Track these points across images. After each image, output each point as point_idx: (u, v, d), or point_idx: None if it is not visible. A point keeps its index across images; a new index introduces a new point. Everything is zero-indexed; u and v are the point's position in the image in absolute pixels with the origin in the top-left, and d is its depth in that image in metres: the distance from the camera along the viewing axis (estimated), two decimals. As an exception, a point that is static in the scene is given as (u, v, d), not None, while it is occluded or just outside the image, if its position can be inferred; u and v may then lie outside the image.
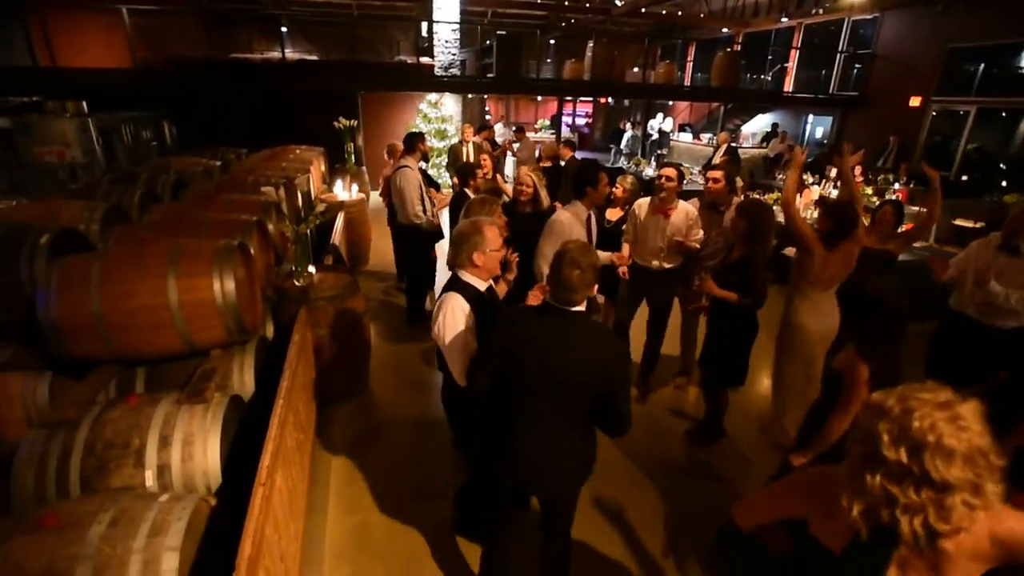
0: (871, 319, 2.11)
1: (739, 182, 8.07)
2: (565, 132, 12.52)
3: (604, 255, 3.51)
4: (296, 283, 3.71)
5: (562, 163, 7.09)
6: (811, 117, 14.60)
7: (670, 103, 16.91)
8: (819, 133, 14.52)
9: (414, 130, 7.16)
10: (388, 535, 2.84)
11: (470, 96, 13.49)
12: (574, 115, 20.07)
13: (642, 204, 3.85)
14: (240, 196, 4.26)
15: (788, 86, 14.09)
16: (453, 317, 2.16)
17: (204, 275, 2.50)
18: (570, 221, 3.35)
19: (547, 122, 17.09)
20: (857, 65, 12.74)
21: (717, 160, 8.91)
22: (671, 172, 3.67)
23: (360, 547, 2.75)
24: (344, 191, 6.93)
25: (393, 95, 11.39)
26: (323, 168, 7.91)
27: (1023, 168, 10.13)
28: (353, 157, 8.65)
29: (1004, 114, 11.11)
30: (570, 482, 2.11)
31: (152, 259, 2.51)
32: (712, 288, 3.14)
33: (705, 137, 13.96)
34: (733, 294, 3.09)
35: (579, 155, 8.24)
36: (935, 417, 1.08)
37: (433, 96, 11.19)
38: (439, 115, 11.23)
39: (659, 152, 14.17)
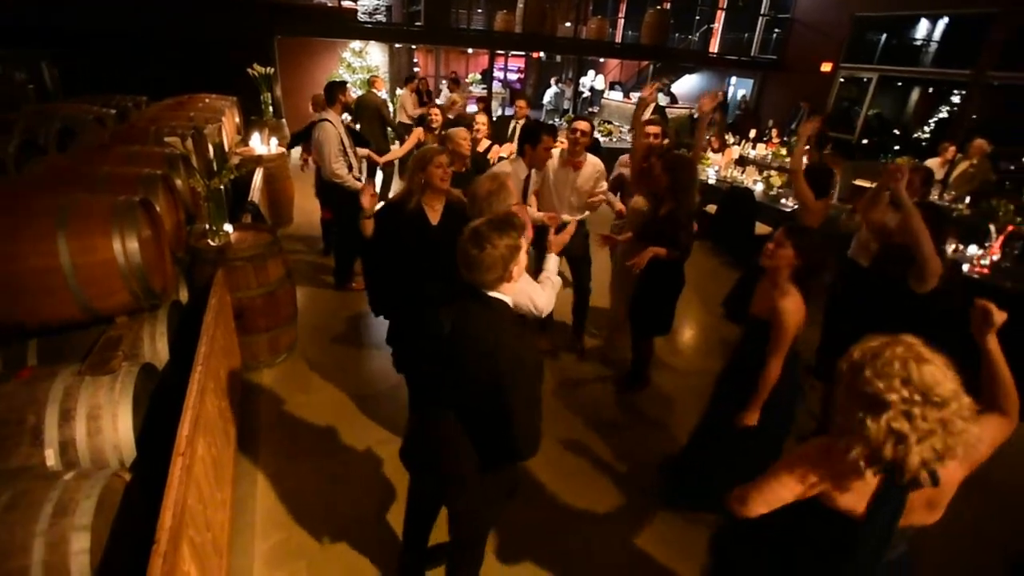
0: (818, 276, 2.30)
1: (666, 141, 8.31)
2: (496, 87, 12.24)
3: (536, 214, 3.51)
4: (211, 243, 3.45)
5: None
6: (734, 79, 15.10)
7: (602, 60, 16.88)
8: (740, 95, 15.09)
9: (336, 79, 6.69)
10: (323, 499, 2.80)
11: (397, 46, 12.82)
12: (506, 69, 19.60)
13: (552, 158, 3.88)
14: (141, 148, 3.85)
15: (714, 47, 14.42)
16: None
17: (102, 235, 2.26)
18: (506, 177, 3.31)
19: (478, 76, 16.62)
20: (777, 30, 13.21)
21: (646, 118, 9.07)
22: (584, 126, 3.69)
23: (294, 513, 2.71)
24: (262, 145, 6.45)
25: (314, 42, 10.59)
26: (237, 119, 7.29)
27: (913, 133, 11.08)
28: (271, 108, 8.04)
29: (900, 84, 12.02)
30: (473, 495, 1.81)
31: (37, 217, 2.23)
32: (640, 262, 3.17)
33: (635, 96, 14.10)
34: (663, 249, 3.18)
35: (508, 112, 8.08)
36: (898, 349, 1.24)
37: (357, 44, 10.52)
38: (364, 64, 10.62)
39: (590, 110, 14.21)
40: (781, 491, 1.43)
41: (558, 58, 18.68)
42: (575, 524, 2.78)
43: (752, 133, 8.97)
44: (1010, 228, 4.65)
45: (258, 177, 5.39)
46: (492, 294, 1.65)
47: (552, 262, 2.36)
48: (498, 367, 1.56)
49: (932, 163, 6.92)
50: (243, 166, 4.98)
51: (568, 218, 3.74)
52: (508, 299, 1.69)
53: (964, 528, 2.94)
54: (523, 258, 1.67)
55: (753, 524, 1.52)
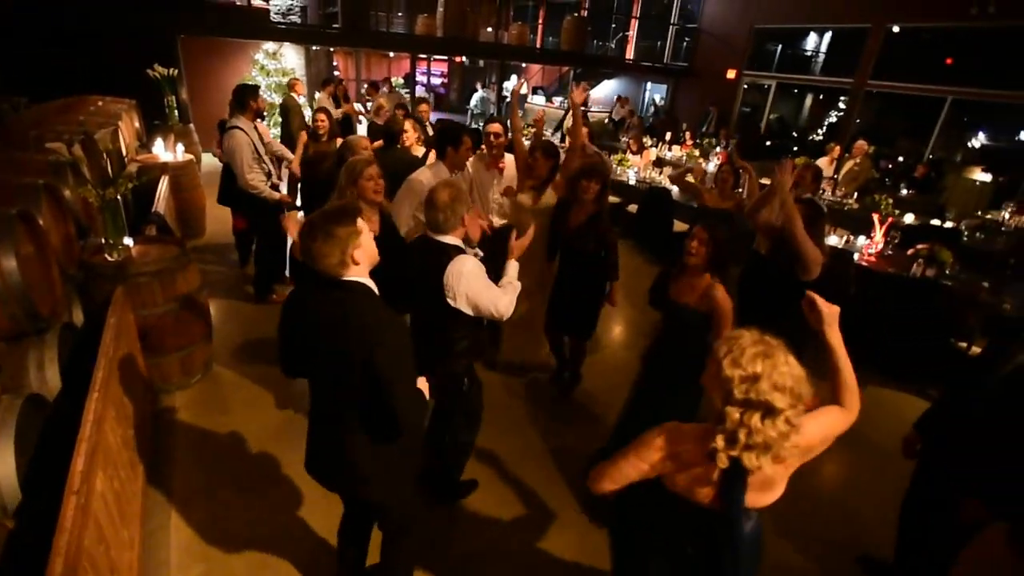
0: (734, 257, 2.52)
1: (508, 136, 8.56)
2: (420, 92, 12.08)
3: (488, 221, 3.51)
4: (109, 258, 3.16)
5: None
6: (649, 84, 15.82)
7: (523, 65, 17.15)
8: (657, 99, 15.84)
9: (249, 83, 6.36)
10: (246, 526, 2.64)
11: (315, 48, 12.38)
12: (429, 74, 19.46)
13: (473, 162, 3.88)
14: (20, 155, 3.48)
15: (630, 54, 15.04)
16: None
17: (-29, 253, 2.02)
18: (430, 182, 3.23)
19: (401, 80, 16.38)
20: (687, 39, 13.99)
21: (568, 123, 9.29)
22: (498, 128, 3.77)
23: (214, 543, 2.53)
24: (167, 151, 6.01)
25: (223, 42, 9.99)
26: (137, 124, 6.75)
27: (809, 135, 12.07)
28: (176, 113, 7.50)
29: (796, 90, 13.09)
30: (379, 486, 1.84)
31: None
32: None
33: (557, 100, 14.45)
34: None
35: (434, 117, 8.03)
36: (779, 358, 1.33)
37: (270, 46, 10.06)
38: (279, 67, 10.17)
39: (520, 113, 14.37)
40: (627, 470, 1.50)
41: (481, 63, 18.80)
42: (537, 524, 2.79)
43: (668, 136, 9.44)
44: (890, 220, 5.17)
45: (163, 186, 5.01)
46: (347, 278, 1.68)
47: (512, 268, 2.43)
48: (362, 337, 1.60)
49: (821, 162, 7.61)
50: (144, 174, 4.61)
51: (496, 219, 3.78)
52: (365, 280, 1.72)
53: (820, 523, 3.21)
54: (365, 242, 1.69)
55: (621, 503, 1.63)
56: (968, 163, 8.91)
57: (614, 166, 7.72)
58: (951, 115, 9.53)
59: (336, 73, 15.37)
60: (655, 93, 15.82)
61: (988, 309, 4.10)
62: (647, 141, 9.16)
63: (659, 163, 8.44)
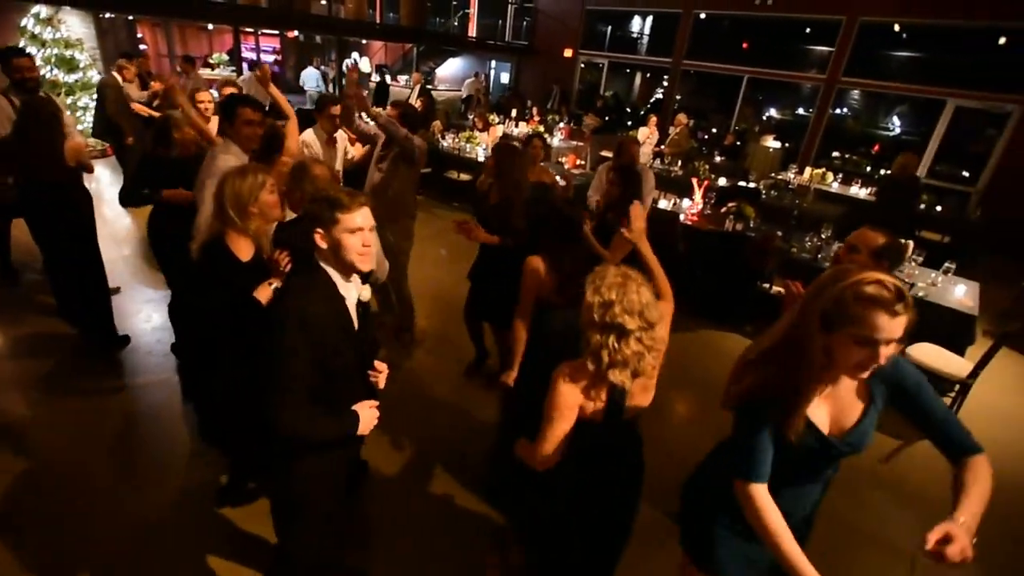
0: (547, 226, 2.41)
1: (438, 125, 8.47)
2: (246, 71, 10.82)
3: None
4: None
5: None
6: (494, 62, 16.04)
7: (364, 42, 16.35)
8: (504, 78, 16.12)
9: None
10: (57, 576, 2.23)
11: (107, 16, 10.54)
12: (258, 50, 17.69)
13: (308, 140, 3.77)
14: None
15: (472, 32, 15.06)
16: None
17: None
18: (227, 163, 2.65)
19: (225, 56, 14.67)
20: (527, 18, 14.35)
21: (413, 100, 9.08)
22: (337, 110, 3.79)
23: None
24: None
25: (-29, 4, 8.06)
26: None
27: (640, 111, 13.18)
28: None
29: (628, 70, 14.19)
30: (279, 469, 1.73)
31: None
32: (479, 234, 3.10)
33: (402, 79, 14.03)
34: (496, 237, 3.11)
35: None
36: (634, 285, 1.52)
37: (43, 9, 8.33)
38: (59, 37, 8.47)
39: (365, 92, 13.69)
40: (562, 424, 1.59)
41: (318, 39, 17.54)
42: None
43: (514, 112, 9.66)
44: (706, 183, 5.85)
45: None
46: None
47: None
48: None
49: (640, 133, 8.41)
50: None
51: None
52: None
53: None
54: None
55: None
56: (763, 132, 10.39)
57: (463, 143, 7.73)
58: (748, 92, 11.03)
59: (143, 47, 13.30)
60: (502, 71, 16.09)
61: (782, 254, 4.83)
62: (494, 118, 9.29)
63: (506, 139, 8.61)
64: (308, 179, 2.36)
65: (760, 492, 1.32)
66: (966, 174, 9.06)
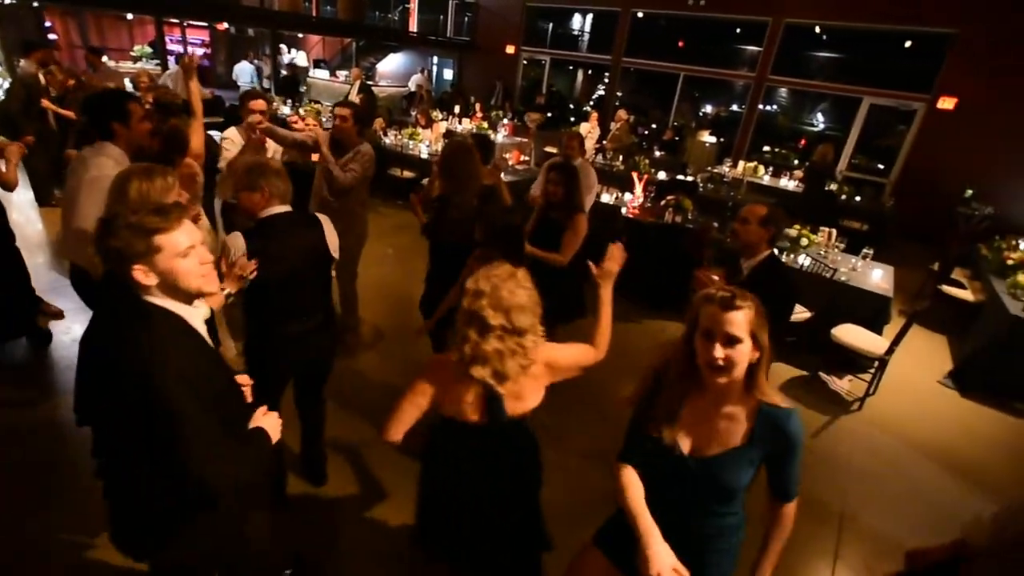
0: (489, 234, 2.50)
1: (380, 122, 8.28)
2: (172, 66, 10.12)
3: None
4: None
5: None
6: (436, 59, 15.87)
7: (300, 36, 15.80)
8: (447, 74, 15.97)
9: None
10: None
11: (8, 2, 9.69)
12: (184, 42, 16.73)
13: (231, 136, 3.65)
14: None
15: (413, 27, 14.83)
16: None
17: None
18: (114, 169, 2.18)
19: (148, 49, 13.79)
20: (468, 14, 14.27)
21: (353, 97, 8.86)
22: (261, 105, 3.64)
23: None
24: None
25: None
26: None
27: (583, 106, 13.39)
28: None
29: (571, 67, 14.38)
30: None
31: None
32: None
33: (342, 74, 13.65)
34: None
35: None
36: (511, 284, 1.53)
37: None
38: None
39: (300, 90, 13.21)
40: (407, 409, 1.63)
41: (251, 32, 16.80)
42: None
43: (457, 109, 9.60)
44: (646, 177, 6.02)
45: None
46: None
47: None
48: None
49: (582, 128, 8.59)
50: None
51: None
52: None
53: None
54: None
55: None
56: (700, 128, 10.80)
57: (405, 140, 7.62)
58: (685, 89, 11.43)
59: (53, 37, 12.32)
60: (444, 67, 15.93)
61: (718, 243, 5.04)
62: (437, 114, 9.21)
63: (449, 136, 8.55)
64: (121, 195, 1.82)
65: (624, 472, 1.49)
66: (881, 166, 9.76)
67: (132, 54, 13.45)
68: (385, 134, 7.89)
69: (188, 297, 1.38)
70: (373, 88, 10.51)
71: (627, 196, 5.91)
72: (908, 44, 9.09)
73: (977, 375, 4.42)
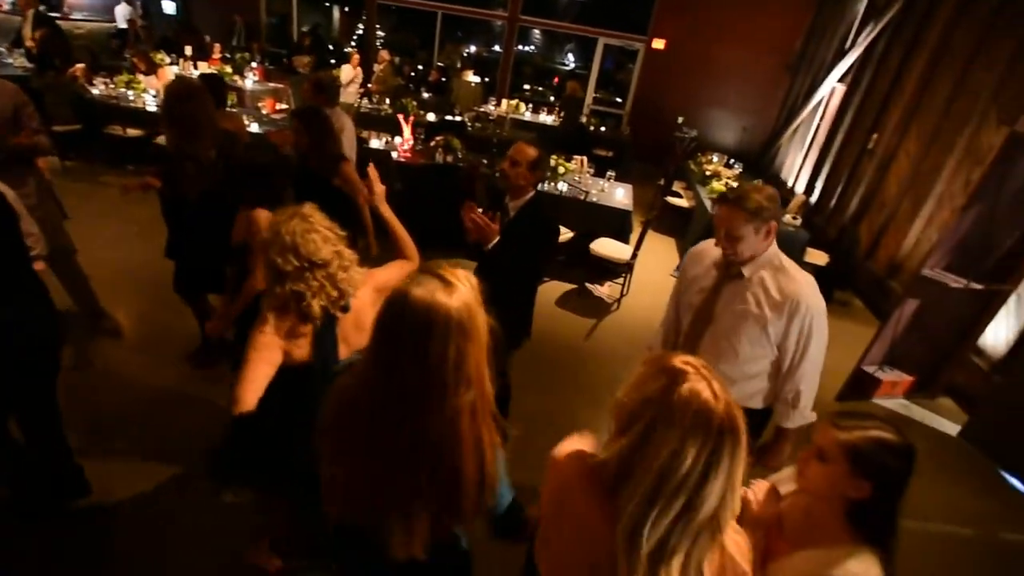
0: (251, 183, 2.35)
1: (81, 67, 6.54)
2: None
3: None
4: None
5: None
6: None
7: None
8: (171, 8, 13.22)
9: None
10: None
11: None
12: None
13: None
14: None
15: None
16: None
17: None
18: None
19: None
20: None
21: (26, 33, 6.87)
22: None
23: None
24: None
25: None
26: None
27: (344, 47, 12.48)
28: None
29: (328, 3, 13.10)
30: None
31: None
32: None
33: (7, 2, 10.35)
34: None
35: None
36: (292, 224, 1.51)
37: None
38: None
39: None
40: (261, 368, 1.52)
41: None
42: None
43: (189, 51, 8.13)
44: (412, 118, 5.95)
45: None
46: None
47: None
48: None
49: (344, 72, 8.20)
50: None
51: None
52: None
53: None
54: None
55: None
56: (464, 68, 10.98)
57: (122, 90, 6.25)
58: (446, 29, 11.39)
59: None
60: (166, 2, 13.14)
61: (488, 180, 5.32)
62: (164, 58, 7.69)
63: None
64: None
65: None
66: (619, 100, 11.23)
67: None
68: (90, 82, 6.33)
69: None
70: (59, 22, 8.22)
71: (397, 139, 5.80)
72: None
73: (694, 265, 5.58)
